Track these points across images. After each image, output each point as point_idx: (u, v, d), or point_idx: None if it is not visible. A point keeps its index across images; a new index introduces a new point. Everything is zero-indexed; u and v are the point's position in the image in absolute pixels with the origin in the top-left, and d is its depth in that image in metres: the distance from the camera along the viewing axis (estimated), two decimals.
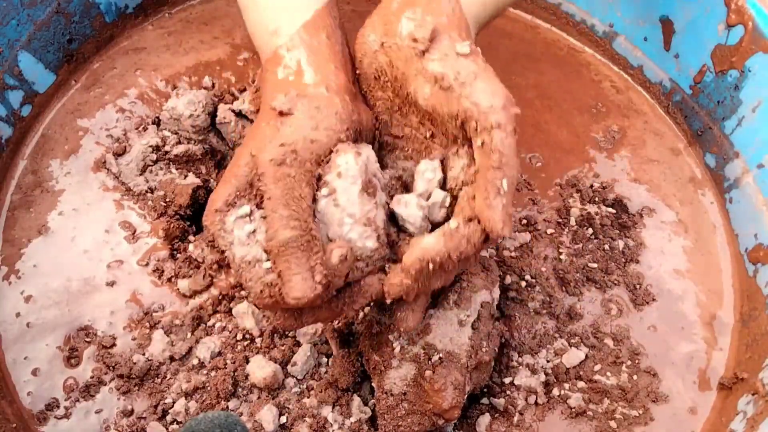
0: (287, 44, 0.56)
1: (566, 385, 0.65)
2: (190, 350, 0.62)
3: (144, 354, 0.62)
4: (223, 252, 0.52)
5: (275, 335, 0.63)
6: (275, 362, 0.62)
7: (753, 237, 0.72)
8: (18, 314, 0.64)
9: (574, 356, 0.65)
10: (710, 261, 0.73)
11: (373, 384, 0.61)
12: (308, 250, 0.48)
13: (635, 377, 0.65)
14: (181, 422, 0.60)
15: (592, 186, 0.75)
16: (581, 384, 0.64)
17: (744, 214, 0.74)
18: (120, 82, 0.77)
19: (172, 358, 0.62)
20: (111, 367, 0.61)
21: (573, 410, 0.63)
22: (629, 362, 0.66)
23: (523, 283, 0.69)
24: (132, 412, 0.60)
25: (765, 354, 0.65)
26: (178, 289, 0.65)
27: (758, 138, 0.73)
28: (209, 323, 0.64)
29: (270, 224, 0.49)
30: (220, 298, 0.65)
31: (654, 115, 0.82)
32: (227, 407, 0.60)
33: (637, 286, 0.70)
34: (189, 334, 0.63)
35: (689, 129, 0.80)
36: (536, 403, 0.64)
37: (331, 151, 0.52)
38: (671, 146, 0.80)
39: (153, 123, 0.74)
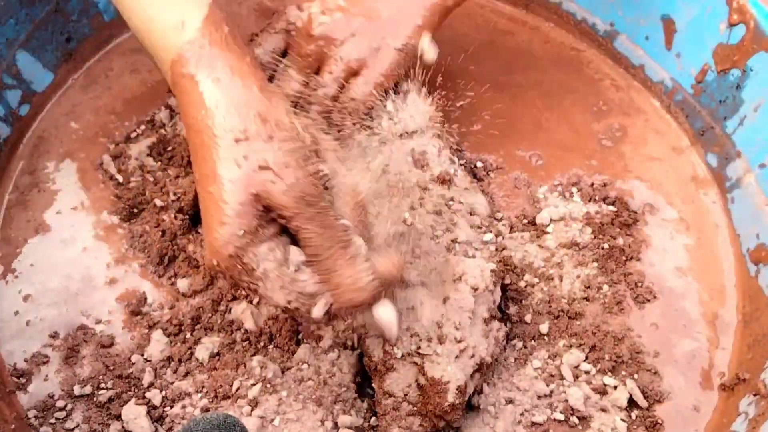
0: (198, 40, 0.53)
1: (567, 385, 0.64)
2: (189, 350, 0.62)
3: (143, 354, 0.62)
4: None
5: (274, 335, 0.63)
6: (274, 362, 0.61)
7: (755, 237, 0.72)
8: (16, 312, 0.64)
9: (574, 355, 0.65)
10: (712, 260, 0.73)
11: (373, 385, 0.61)
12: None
13: (636, 376, 0.65)
14: (179, 423, 0.59)
15: (593, 184, 0.75)
16: (582, 383, 0.64)
17: (746, 214, 0.73)
18: (117, 83, 0.77)
19: (170, 359, 0.62)
20: (110, 367, 0.61)
21: (574, 410, 0.63)
22: (630, 361, 0.66)
23: (523, 283, 0.68)
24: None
25: (767, 355, 0.65)
26: (177, 288, 0.65)
27: (760, 137, 0.72)
28: (208, 323, 0.64)
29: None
30: (219, 298, 0.64)
31: (655, 114, 0.82)
32: (226, 408, 0.60)
33: (639, 284, 0.70)
34: (188, 335, 0.63)
35: (691, 128, 0.80)
36: (537, 404, 0.63)
37: None
38: (673, 145, 0.80)
39: (150, 122, 0.74)
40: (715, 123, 0.77)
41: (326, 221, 0.51)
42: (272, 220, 0.52)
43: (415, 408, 0.58)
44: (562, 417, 0.63)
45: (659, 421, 0.63)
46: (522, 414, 0.63)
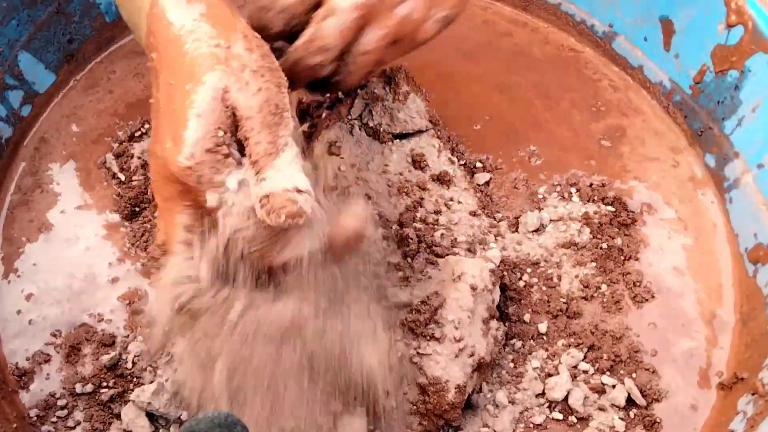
0: None
1: (566, 385, 0.64)
2: None
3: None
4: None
5: None
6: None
7: (753, 237, 0.72)
8: (18, 312, 0.64)
9: (573, 355, 0.65)
10: (710, 260, 0.73)
11: None
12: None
13: (635, 375, 0.65)
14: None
15: (591, 185, 0.75)
16: (581, 383, 0.64)
17: (744, 214, 0.74)
18: (120, 86, 0.77)
19: (172, 357, 0.62)
20: (111, 366, 0.61)
21: (573, 410, 0.63)
22: (629, 360, 0.66)
23: (522, 283, 0.69)
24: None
25: (765, 354, 0.65)
26: None
27: (758, 138, 0.73)
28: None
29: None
30: None
31: (654, 115, 0.82)
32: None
33: (637, 284, 0.70)
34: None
35: (689, 129, 0.80)
36: (536, 404, 0.64)
37: None
38: (671, 145, 0.80)
39: None
40: (714, 123, 0.77)
41: (277, 136, 0.49)
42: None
43: (415, 407, 0.58)
44: (560, 416, 0.63)
45: (657, 420, 0.64)
46: (521, 413, 0.63)
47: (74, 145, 0.73)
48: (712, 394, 0.66)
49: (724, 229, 0.75)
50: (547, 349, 0.66)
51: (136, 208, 0.69)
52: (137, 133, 0.73)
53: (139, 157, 0.71)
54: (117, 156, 0.72)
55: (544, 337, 0.67)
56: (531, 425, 0.62)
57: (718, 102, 0.76)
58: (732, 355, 0.68)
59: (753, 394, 0.63)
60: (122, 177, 0.71)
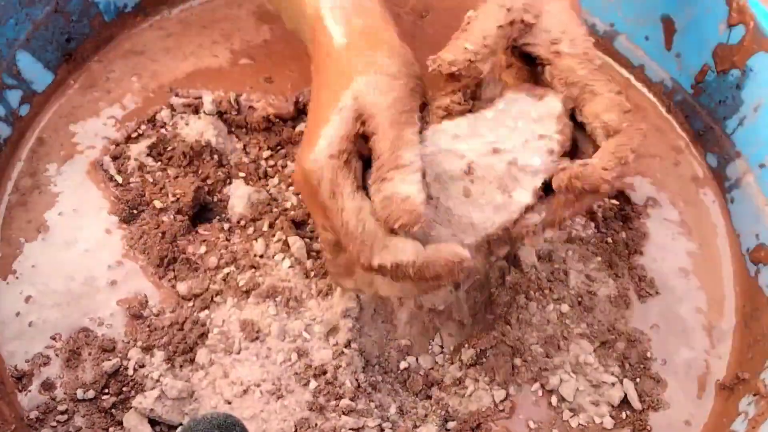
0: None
1: (566, 383, 0.64)
2: (191, 354, 0.62)
3: (144, 358, 0.61)
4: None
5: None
6: (274, 364, 0.61)
7: (754, 237, 0.72)
8: (18, 314, 0.63)
9: (582, 347, 0.65)
10: (711, 261, 0.73)
11: None
12: None
13: (638, 381, 0.65)
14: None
15: None
16: (580, 376, 0.64)
17: (745, 214, 0.74)
18: (118, 87, 0.77)
19: (172, 363, 0.62)
20: (111, 371, 0.61)
21: (563, 398, 0.63)
22: (637, 364, 0.66)
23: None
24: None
25: (766, 354, 0.65)
26: (177, 291, 0.65)
27: (759, 137, 0.73)
28: (209, 327, 0.63)
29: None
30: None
31: (655, 114, 0.82)
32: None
33: (642, 279, 0.70)
34: (189, 338, 0.63)
35: (690, 128, 0.80)
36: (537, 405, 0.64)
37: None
38: (672, 144, 0.80)
39: (151, 121, 0.73)
40: (715, 123, 0.77)
41: (403, 133, 0.51)
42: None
43: None
44: (562, 419, 0.63)
45: (648, 428, 0.63)
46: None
47: (72, 146, 0.72)
48: (713, 397, 0.66)
49: (725, 229, 0.75)
50: (547, 347, 0.65)
51: (134, 211, 0.69)
52: (134, 135, 0.73)
53: (136, 159, 0.71)
54: (114, 158, 0.71)
55: (549, 338, 0.66)
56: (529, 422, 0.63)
57: (720, 102, 0.76)
58: (733, 356, 0.68)
59: (755, 395, 0.63)
60: (119, 179, 0.70)
